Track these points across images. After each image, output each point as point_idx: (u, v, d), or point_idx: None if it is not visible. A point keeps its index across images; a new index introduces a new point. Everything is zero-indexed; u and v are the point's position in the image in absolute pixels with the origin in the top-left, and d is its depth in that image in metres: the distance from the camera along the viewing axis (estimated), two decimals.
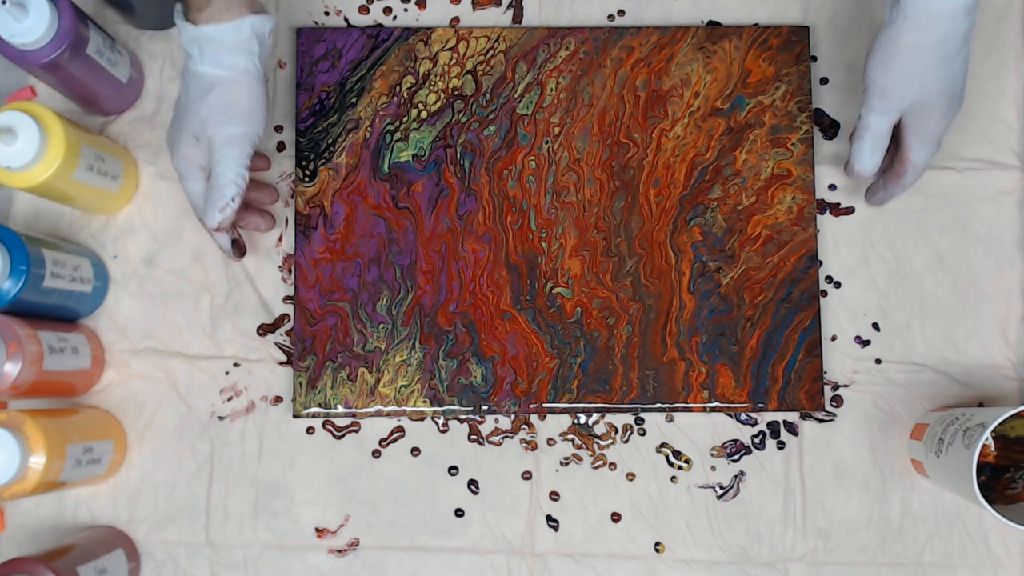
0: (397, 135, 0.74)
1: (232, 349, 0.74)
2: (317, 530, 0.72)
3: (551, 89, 0.75)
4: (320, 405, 0.72)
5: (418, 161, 0.74)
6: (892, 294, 0.74)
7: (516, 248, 0.73)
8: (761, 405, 0.72)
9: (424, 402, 0.72)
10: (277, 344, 0.74)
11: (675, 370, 0.72)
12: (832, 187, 0.75)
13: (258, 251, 0.74)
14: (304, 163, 0.74)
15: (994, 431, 0.65)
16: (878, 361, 0.74)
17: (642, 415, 0.73)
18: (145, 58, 0.76)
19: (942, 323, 0.74)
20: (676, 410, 0.72)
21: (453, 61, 0.75)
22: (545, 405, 0.72)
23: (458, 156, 0.74)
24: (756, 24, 0.76)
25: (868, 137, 0.65)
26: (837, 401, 0.74)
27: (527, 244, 0.73)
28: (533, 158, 0.74)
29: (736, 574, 0.72)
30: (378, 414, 0.72)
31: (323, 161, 0.74)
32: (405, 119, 0.74)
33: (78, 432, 0.67)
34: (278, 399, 0.73)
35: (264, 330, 0.74)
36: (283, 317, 0.74)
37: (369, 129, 0.74)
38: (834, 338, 0.74)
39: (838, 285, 0.74)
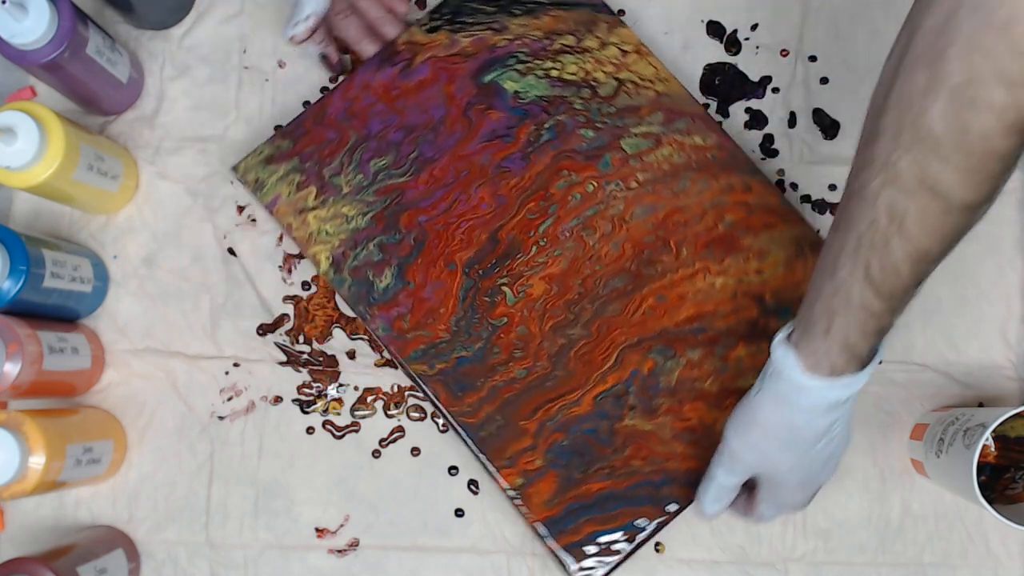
0: (519, 67, 0.73)
1: (232, 349, 0.74)
2: (317, 530, 0.72)
3: (662, 154, 0.72)
4: (255, 184, 0.71)
5: (515, 99, 0.73)
6: None
7: (512, 230, 0.72)
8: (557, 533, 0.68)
9: (326, 260, 0.71)
10: (277, 344, 0.74)
11: (516, 438, 0.69)
12: (832, 187, 0.75)
13: (258, 251, 0.74)
14: (436, 16, 0.73)
15: (994, 431, 0.65)
16: (878, 361, 0.74)
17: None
18: (145, 58, 0.76)
19: (942, 323, 0.74)
20: (487, 471, 0.69)
21: (615, 61, 0.73)
22: (402, 359, 0.70)
23: (544, 126, 0.73)
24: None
25: (713, 488, 0.64)
26: None
27: (523, 235, 0.72)
28: (595, 184, 0.72)
29: (736, 574, 0.72)
30: (280, 239, 0.73)
31: (451, 27, 0.73)
32: (536, 63, 0.73)
33: (78, 432, 0.67)
34: (278, 399, 0.73)
35: (264, 330, 0.74)
36: (283, 317, 0.74)
37: (505, 41, 0.73)
38: None
39: None
